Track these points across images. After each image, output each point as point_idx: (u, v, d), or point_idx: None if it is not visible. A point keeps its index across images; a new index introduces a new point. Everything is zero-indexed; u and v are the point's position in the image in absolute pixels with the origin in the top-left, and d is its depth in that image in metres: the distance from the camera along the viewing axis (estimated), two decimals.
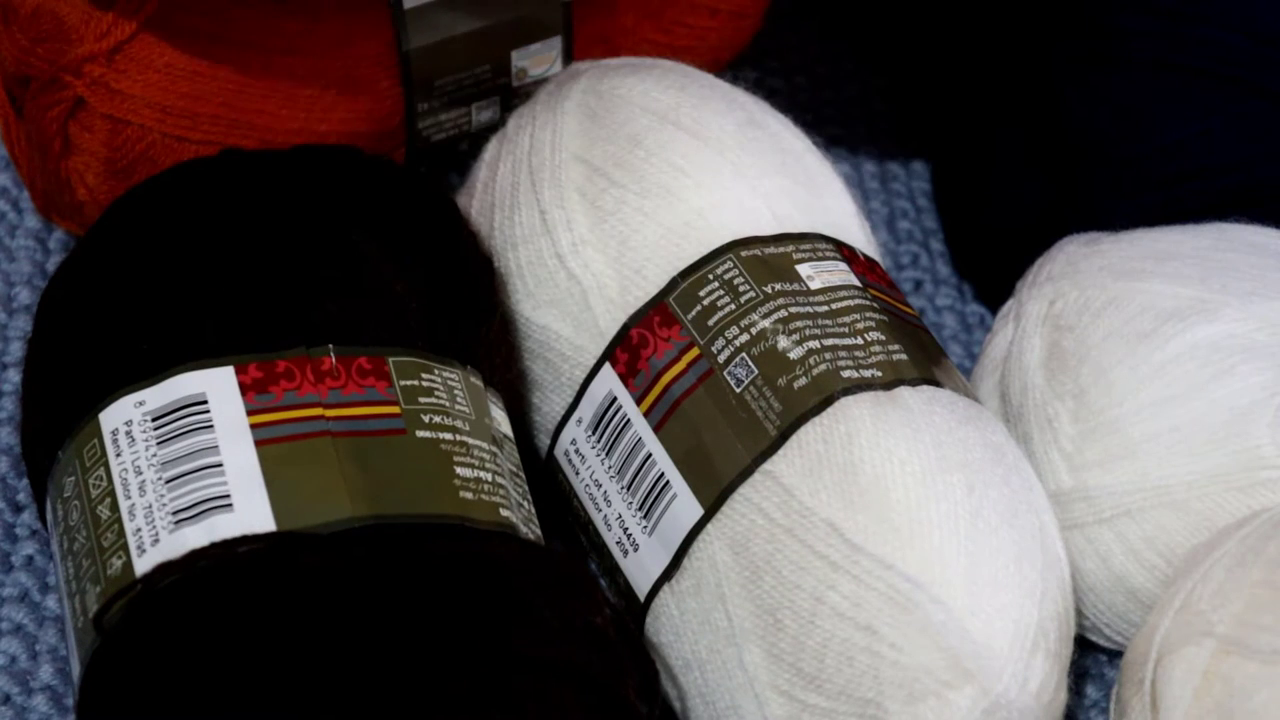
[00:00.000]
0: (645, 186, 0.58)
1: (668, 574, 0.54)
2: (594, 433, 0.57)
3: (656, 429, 0.55)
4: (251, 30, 0.61)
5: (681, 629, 0.54)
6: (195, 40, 0.60)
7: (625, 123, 0.59)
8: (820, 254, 0.57)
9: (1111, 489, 0.56)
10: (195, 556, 0.48)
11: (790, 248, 0.57)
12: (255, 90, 0.61)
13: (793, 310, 0.55)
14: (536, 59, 0.67)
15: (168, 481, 0.49)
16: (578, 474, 0.57)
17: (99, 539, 0.50)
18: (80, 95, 0.59)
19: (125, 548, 0.49)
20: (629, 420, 0.56)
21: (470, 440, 0.52)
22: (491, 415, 0.55)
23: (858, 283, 0.57)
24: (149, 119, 0.60)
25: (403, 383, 0.52)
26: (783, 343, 0.54)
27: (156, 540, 0.49)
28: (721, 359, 0.55)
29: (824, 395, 0.53)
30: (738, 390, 0.54)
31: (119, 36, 0.59)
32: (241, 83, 0.61)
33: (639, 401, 0.55)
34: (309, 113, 0.62)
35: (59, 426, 0.52)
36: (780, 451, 0.53)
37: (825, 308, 0.56)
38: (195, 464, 0.49)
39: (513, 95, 0.67)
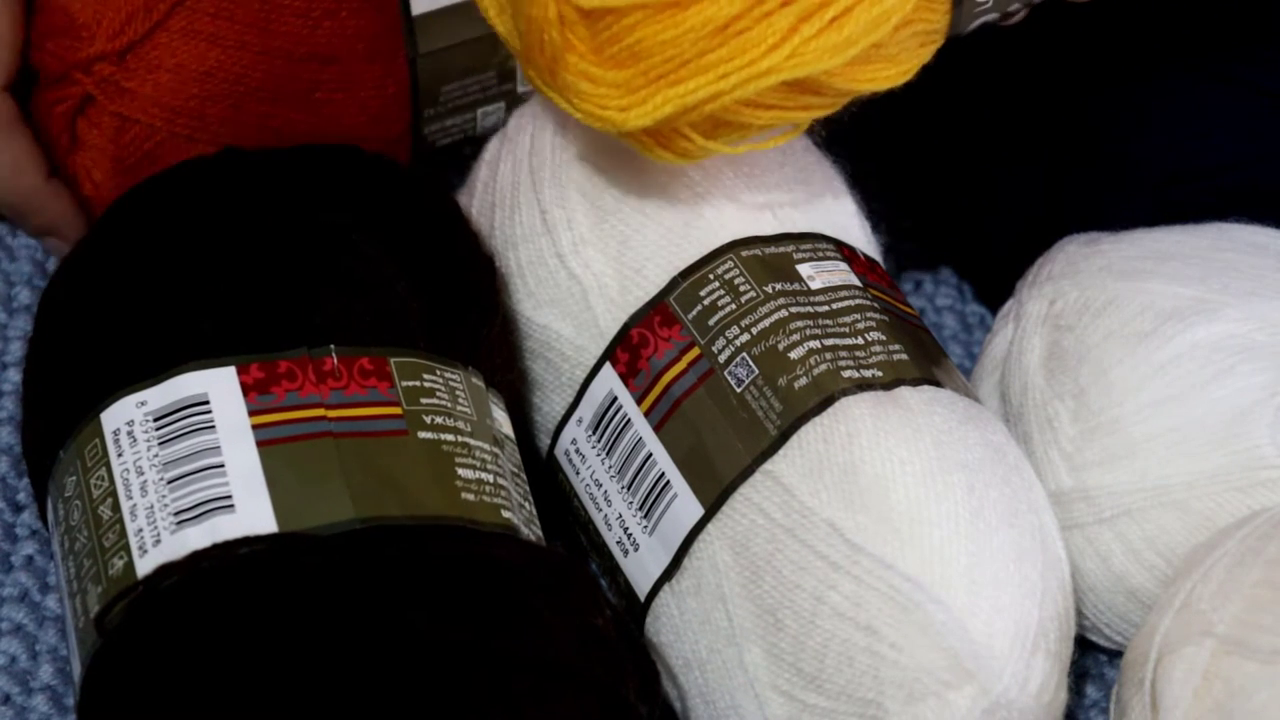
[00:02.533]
0: (645, 186, 0.58)
1: (668, 574, 0.54)
2: (594, 432, 0.57)
3: (657, 429, 0.55)
4: (264, 35, 0.61)
5: (682, 629, 0.54)
6: (207, 43, 0.60)
7: None
8: (821, 254, 0.57)
9: (1111, 489, 0.56)
10: (197, 557, 0.48)
11: (791, 247, 0.57)
12: (265, 94, 0.61)
13: (793, 310, 0.55)
14: None
15: (169, 482, 0.49)
16: (578, 474, 0.57)
17: (100, 539, 0.50)
18: (89, 92, 0.59)
19: (127, 548, 0.49)
20: (629, 420, 0.56)
21: (472, 441, 0.52)
22: (493, 416, 0.54)
23: (858, 283, 0.57)
24: (157, 118, 0.60)
25: (404, 383, 0.52)
26: (783, 343, 0.55)
27: (158, 541, 0.49)
28: (722, 359, 0.55)
29: (824, 395, 0.53)
30: (738, 390, 0.54)
31: (131, 37, 0.59)
32: (252, 86, 0.61)
33: (639, 401, 0.55)
34: (318, 117, 0.62)
35: (60, 426, 0.52)
36: (780, 451, 0.53)
37: (826, 308, 0.56)
38: (197, 464, 0.49)
39: (518, 100, 0.67)
